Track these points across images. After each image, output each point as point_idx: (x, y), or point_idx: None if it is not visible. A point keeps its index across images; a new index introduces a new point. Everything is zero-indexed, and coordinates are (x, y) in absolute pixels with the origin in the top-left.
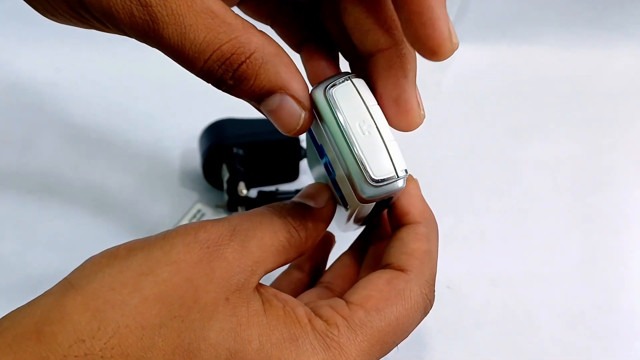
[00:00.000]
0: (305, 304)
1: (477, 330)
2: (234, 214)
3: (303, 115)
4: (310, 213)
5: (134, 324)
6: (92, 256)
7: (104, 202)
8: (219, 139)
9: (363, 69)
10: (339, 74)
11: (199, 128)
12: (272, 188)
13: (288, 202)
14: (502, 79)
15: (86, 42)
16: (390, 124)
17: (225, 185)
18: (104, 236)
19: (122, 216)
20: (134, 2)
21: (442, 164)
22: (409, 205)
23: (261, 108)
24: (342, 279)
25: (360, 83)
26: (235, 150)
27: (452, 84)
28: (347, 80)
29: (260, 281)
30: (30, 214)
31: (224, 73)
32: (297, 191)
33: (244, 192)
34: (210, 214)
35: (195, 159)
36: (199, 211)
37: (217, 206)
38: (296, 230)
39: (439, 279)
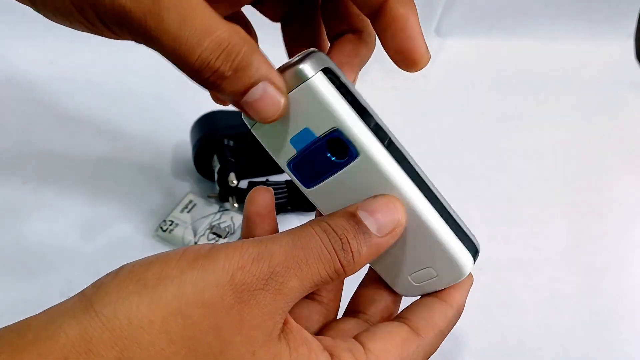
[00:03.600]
0: (323, 342)
1: (463, 315)
2: (279, 234)
3: (283, 101)
4: (367, 241)
5: None
6: (116, 273)
7: (98, 194)
8: (210, 131)
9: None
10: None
11: (190, 120)
12: (262, 179)
13: (347, 220)
14: (489, 70)
15: (80, 35)
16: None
17: (216, 176)
18: (97, 227)
19: (115, 207)
20: None
21: (430, 153)
22: (455, 291)
23: (244, 99)
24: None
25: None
26: (226, 141)
27: (440, 76)
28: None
29: None
30: (24, 205)
31: (222, 64)
32: (287, 182)
33: (235, 182)
34: (201, 204)
35: (187, 151)
36: (190, 202)
37: (208, 196)
38: (343, 268)
39: None
